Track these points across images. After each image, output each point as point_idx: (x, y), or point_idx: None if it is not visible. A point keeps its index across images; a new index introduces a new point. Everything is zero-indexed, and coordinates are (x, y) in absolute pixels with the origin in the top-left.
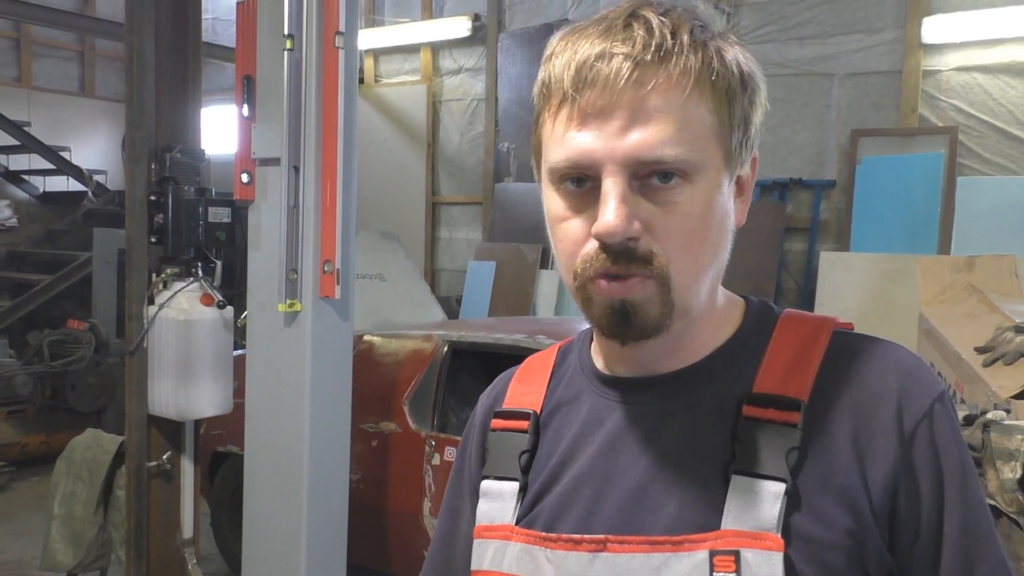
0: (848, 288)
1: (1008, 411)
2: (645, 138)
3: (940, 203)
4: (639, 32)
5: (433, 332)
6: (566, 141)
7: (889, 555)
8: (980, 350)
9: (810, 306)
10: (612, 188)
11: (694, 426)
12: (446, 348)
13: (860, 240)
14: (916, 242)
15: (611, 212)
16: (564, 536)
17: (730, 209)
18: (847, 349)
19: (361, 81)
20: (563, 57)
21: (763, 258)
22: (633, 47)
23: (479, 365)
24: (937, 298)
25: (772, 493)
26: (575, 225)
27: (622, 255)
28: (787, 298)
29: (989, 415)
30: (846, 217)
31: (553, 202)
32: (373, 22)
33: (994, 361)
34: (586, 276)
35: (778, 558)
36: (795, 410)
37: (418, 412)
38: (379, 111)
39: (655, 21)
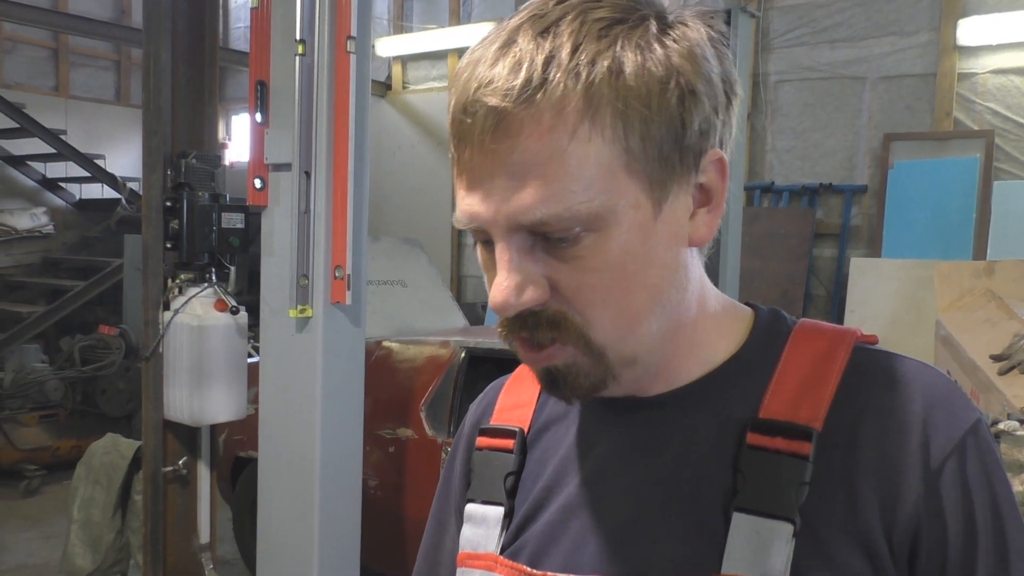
0: (879, 295)
1: (1022, 421)
2: (523, 200)
3: (975, 208)
4: (504, 68)
5: (450, 338)
6: (459, 200)
7: None
8: (996, 358)
9: (840, 313)
10: (500, 255)
11: (691, 454)
12: (463, 354)
13: (892, 246)
14: (950, 248)
15: (498, 284)
16: (550, 574)
17: (674, 233)
18: (868, 369)
19: (388, 88)
20: (452, 94)
21: (792, 264)
22: (496, 90)
23: (497, 371)
24: (955, 304)
25: (779, 534)
26: (491, 279)
27: (526, 321)
28: (816, 305)
29: (1001, 425)
30: (878, 222)
31: (476, 250)
32: (401, 28)
33: (1010, 369)
34: (505, 335)
35: None
36: (806, 440)
37: (435, 418)
38: (407, 117)
39: (527, 47)
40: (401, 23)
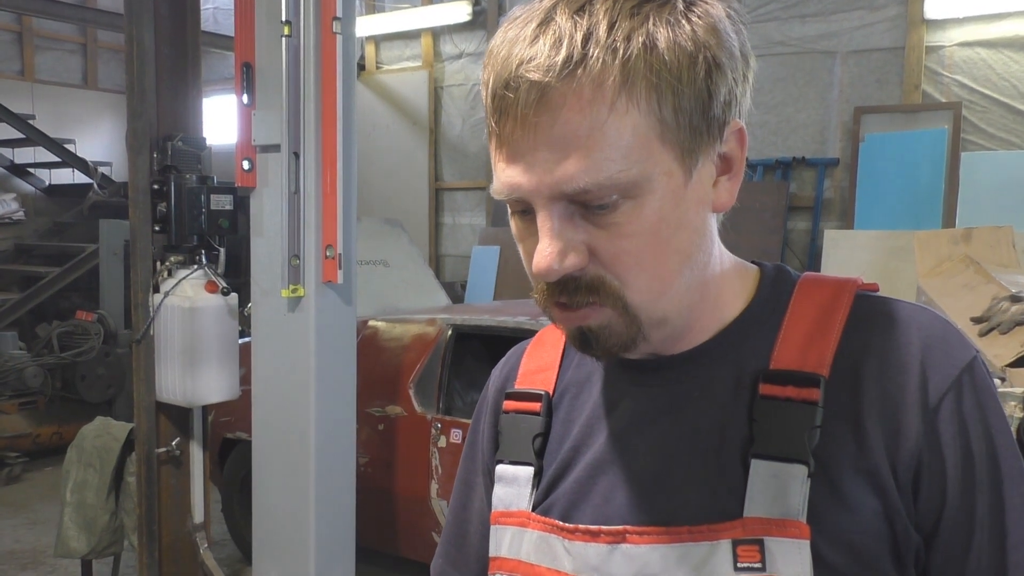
0: (853, 266)
1: (1003, 379)
2: (565, 170)
3: (944, 179)
4: (544, 45)
5: (437, 316)
6: (498, 172)
7: (917, 535)
8: (976, 320)
9: None
10: (543, 223)
11: (709, 408)
12: (450, 332)
13: (864, 217)
14: (920, 218)
15: (541, 251)
16: (582, 528)
17: (701, 200)
18: (869, 315)
19: (362, 68)
20: (490, 71)
21: (766, 237)
22: (539, 66)
23: (483, 348)
24: (934, 270)
25: (795, 476)
26: (528, 248)
27: (567, 286)
28: None
29: None
30: (850, 195)
31: (510, 221)
32: (374, 8)
33: (990, 330)
34: (543, 300)
35: (805, 546)
36: (815, 386)
37: (423, 395)
38: (381, 98)
39: (565, 25)
40: (374, 3)
